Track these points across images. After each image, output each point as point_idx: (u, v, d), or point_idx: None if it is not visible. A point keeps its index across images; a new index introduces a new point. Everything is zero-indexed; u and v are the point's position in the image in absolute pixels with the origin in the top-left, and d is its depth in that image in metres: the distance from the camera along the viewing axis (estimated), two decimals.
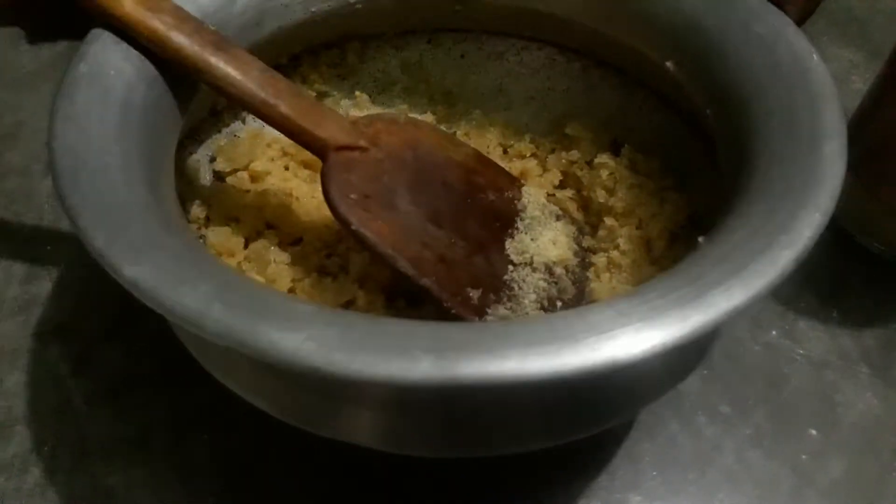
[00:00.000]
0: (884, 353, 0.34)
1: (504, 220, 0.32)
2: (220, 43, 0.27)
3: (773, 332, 0.35)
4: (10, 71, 0.44)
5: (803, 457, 0.31)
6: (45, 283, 0.35)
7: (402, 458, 0.28)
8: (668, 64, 0.31)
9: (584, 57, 0.36)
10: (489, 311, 0.28)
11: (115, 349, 0.33)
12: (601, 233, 0.33)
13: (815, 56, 0.27)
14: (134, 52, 0.27)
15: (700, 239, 0.23)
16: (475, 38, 0.37)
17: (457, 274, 0.29)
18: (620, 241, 0.32)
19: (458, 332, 0.19)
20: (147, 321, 0.31)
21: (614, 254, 0.32)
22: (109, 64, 0.26)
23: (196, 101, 0.30)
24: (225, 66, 0.27)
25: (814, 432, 0.32)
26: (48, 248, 0.37)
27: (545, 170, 0.36)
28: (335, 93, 0.37)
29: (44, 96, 0.43)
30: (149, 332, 0.32)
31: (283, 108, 0.27)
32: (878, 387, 0.33)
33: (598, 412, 0.23)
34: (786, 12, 0.29)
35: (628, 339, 0.18)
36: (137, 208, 0.22)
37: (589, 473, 0.30)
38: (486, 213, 0.31)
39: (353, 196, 0.28)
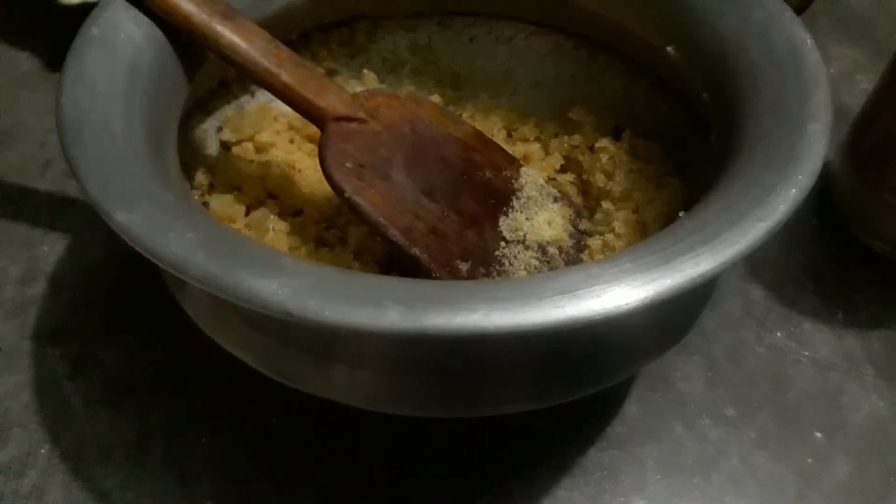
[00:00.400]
0: (889, 355, 0.34)
1: (500, 197, 0.32)
2: (228, 13, 0.28)
3: (778, 334, 0.34)
4: (8, 71, 0.44)
5: (809, 460, 0.31)
6: (41, 285, 0.35)
7: (405, 463, 0.29)
8: (669, 48, 0.31)
9: (590, 44, 0.36)
10: None
11: (112, 351, 0.33)
12: (598, 216, 0.34)
13: (808, 42, 0.27)
14: (144, 19, 0.28)
15: (680, 213, 0.24)
16: (484, 21, 0.38)
17: (448, 246, 0.29)
18: (616, 224, 0.33)
19: (429, 287, 0.20)
20: (144, 323, 0.33)
21: (609, 237, 0.32)
22: (120, 28, 0.27)
23: (204, 71, 0.31)
24: (231, 35, 0.28)
25: (819, 435, 0.31)
26: (45, 248, 0.36)
27: (547, 153, 0.36)
28: (344, 71, 0.38)
29: (42, 96, 0.42)
30: (146, 335, 0.33)
31: (285, 76, 0.28)
32: (884, 389, 0.33)
33: (576, 375, 0.24)
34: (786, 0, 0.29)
35: (592, 299, 0.19)
36: (134, 162, 0.23)
37: (593, 477, 0.30)
38: (482, 189, 0.32)
39: (348, 165, 0.29)
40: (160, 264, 0.20)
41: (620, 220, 0.32)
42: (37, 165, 0.39)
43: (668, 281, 0.20)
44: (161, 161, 0.25)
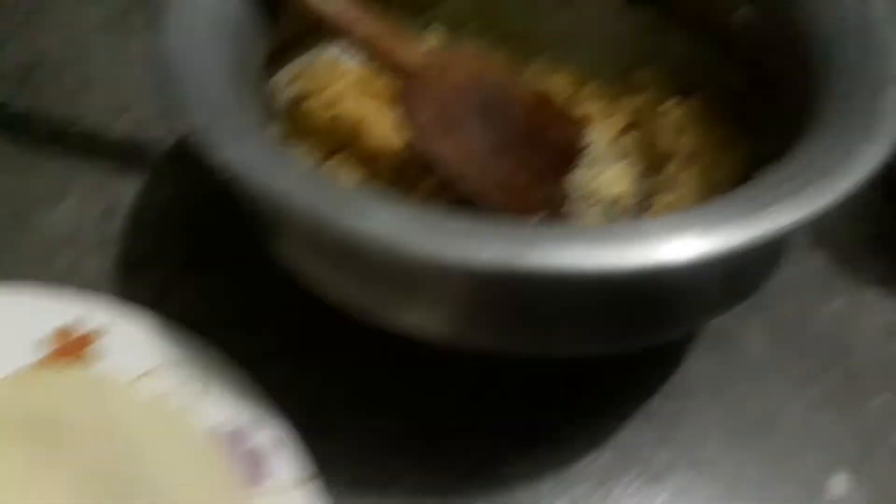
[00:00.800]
0: None
1: (565, 156, 0.33)
2: None
3: (840, 300, 0.35)
4: (79, 21, 0.44)
5: (870, 422, 0.31)
6: (120, 222, 0.36)
7: (471, 407, 0.30)
8: (743, 7, 0.31)
9: (656, 4, 0.36)
10: None
11: (190, 288, 0.33)
12: (662, 176, 0.34)
13: (882, 10, 0.27)
14: None
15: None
16: None
17: (516, 201, 0.30)
18: (682, 184, 0.33)
19: (524, 228, 0.21)
20: (222, 261, 0.33)
21: (673, 196, 0.33)
22: None
23: (280, 25, 0.31)
24: None
25: (880, 400, 0.32)
26: (121, 188, 0.37)
27: (612, 114, 0.37)
28: (408, 28, 0.38)
29: (115, 44, 0.43)
30: (224, 273, 0.33)
31: (369, 28, 0.29)
32: None
33: (651, 321, 0.25)
34: None
35: (688, 243, 0.20)
36: (232, 103, 0.24)
37: (654, 425, 0.30)
38: (548, 147, 0.33)
39: (425, 117, 0.29)
40: (262, 202, 0.21)
41: (686, 180, 0.33)
42: (112, 111, 0.40)
43: (752, 231, 0.20)
44: (250, 106, 0.25)
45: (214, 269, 0.34)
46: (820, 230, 0.37)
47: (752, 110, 0.33)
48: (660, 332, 0.25)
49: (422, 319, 0.24)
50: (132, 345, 0.28)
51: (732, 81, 0.34)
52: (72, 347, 0.28)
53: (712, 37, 0.35)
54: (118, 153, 0.38)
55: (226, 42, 0.27)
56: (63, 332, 0.28)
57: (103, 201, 0.37)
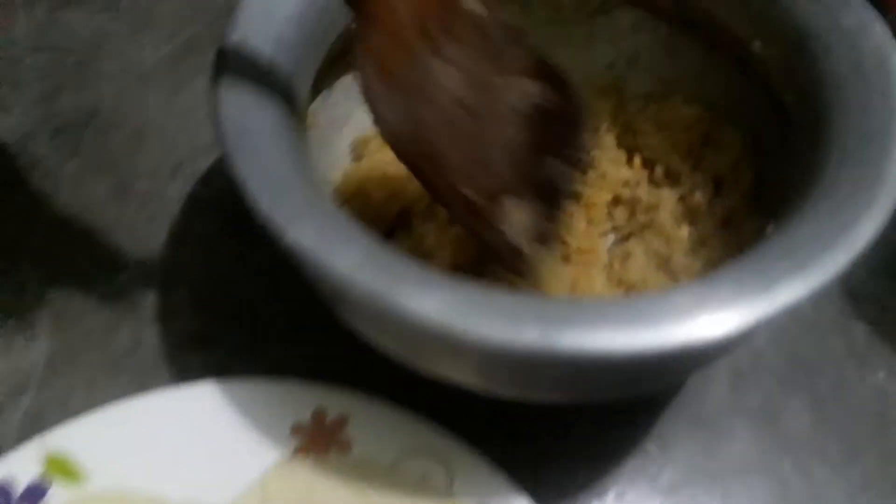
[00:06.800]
0: None
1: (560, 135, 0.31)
2: None
3: (881, 374, 0.35)
4: (133, 68, 0.44)
5: None
6: (183, 291, 0.36)
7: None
8: (756, 43, 0.33)
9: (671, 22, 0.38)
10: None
11: (256, 362, 0.34)
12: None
13: None
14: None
15: (769, 228, 0.27)
16: None
17: (477, 188, 0.28)
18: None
19: (562, 307, 0.23)
20: (286, 332, 0.34)
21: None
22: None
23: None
24: None
25: None
26: (182, 252, 0.37)
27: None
28: None
29: (168, 93, 0.42)
30: (289, 342, 0.34)
31: None
32: None
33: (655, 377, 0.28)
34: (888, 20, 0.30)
35: (706, 323, 0.22)
36: (294, 172, 0.26)
37: None
38: (539, 121, 0.30)
39: (369, 62, 0.27)
40: (327, 284, 0.24)
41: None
42: (167, 168, 0.40)
43: (768, 306, 0.23)
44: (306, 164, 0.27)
45: (278, 339, 0.34)
46: (855, 295, 0.37)
47: (768, 135, 0.35)
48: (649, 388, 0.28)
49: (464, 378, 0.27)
50: (377, 431, 0.29)
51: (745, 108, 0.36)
52: (323, 436, 0.29)
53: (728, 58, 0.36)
54: (175, 214, 0.38)
55: (278, 95, 0.29)
56: (311, 423, 0.30)
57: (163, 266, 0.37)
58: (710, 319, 0.22)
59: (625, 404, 0.33)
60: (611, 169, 0.36)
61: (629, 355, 0.22)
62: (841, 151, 0.27)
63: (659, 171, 0.37)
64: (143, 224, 0.38)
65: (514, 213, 0.29)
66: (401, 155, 0.28)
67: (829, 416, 0.34)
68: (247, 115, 0.27)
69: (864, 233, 0.24)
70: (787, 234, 0.25)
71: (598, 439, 0.33)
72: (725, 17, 0.34)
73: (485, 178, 0.28)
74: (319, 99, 0.34)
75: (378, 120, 0.27)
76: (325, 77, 0.34)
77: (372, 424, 0.30)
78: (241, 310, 0.35)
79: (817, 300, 0.24)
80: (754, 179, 0.35)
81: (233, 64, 0.29)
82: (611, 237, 0.36)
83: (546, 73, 0.29)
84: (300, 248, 0.24)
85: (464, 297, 0.23)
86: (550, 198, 0.30)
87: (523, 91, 0.29)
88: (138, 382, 0.33)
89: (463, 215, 0.28)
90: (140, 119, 0.42)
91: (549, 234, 0.30)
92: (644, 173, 0.37)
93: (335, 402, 0.30)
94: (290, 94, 0.30)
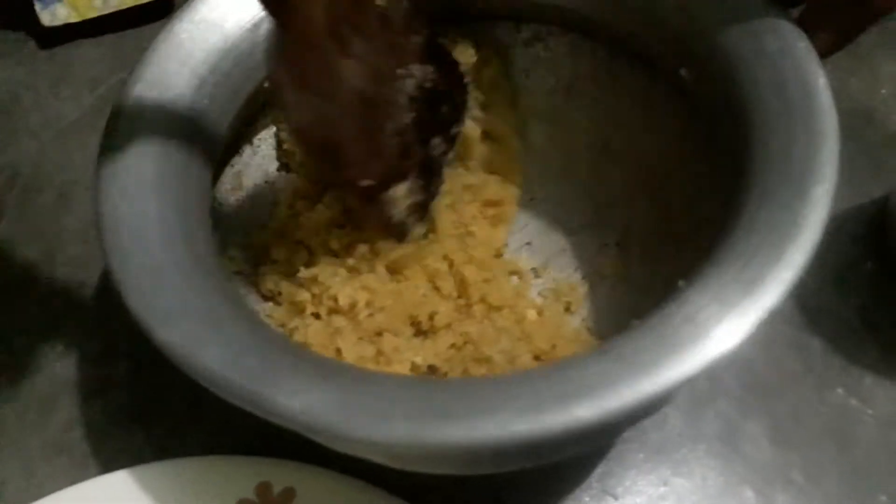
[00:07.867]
0: None
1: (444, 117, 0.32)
2: None
3: (839, 391, 0.34)
4: (54, 122, 0.42)
5: None
6: (121, 364, 0.35)
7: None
8: (682, 71, 0.31)
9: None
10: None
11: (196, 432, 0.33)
12: None
13: (821, 81, 0.27)
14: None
15: (680, 283, 0.25)
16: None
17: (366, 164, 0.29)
18: None
19: (439, 396, 0.22)
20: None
21: None
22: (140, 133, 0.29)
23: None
24: None
25: (884, 498, 0.31)
26: (118, 324, 0.36)
27: None
28: None
29: (92, 151, 0.38)
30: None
31: None
32: None
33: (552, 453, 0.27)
34: (814, 41, 0.28)
35: (602, 400, 0.21)
36: (171, 267, 0.25)
37: None
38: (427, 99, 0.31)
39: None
40: (199, 381, 0.23)
41: None
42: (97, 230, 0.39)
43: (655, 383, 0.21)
44: (195, 255, 0.26)
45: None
46: (809, 310, 0.36)
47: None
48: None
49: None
50: (325, 502, 0.29)
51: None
52: None
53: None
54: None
55: (170, 184, 0.28)
56: (257, 498, 0.30)
57: (101, 340, 0.36)
58: (586, 405, 0.21)
59: None
60: None
61: (500, 443, 0.21)
62: (761, 192, 0.25)
63: None
64: (76, 290, 0.37)
65: (399, 194, 0.31)
66: (307, 151, 0.32)
67: (789, 438, 0.33)
68: (133, 201, 0.26)
69: (770, 295, 0.22)
70: (687, 301, 0.23)
71: (553, 479, 0.32)
72: (651, 43, 0.32)
73: (380, 170, 0.30)
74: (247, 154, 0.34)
75: (289, 121, 0.30)
76: (241, 136, 0.34)
77: (320, 496, 0.29)
78: (181, 383, 0.34)
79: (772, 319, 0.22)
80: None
81: (125, 135, 0.28)
82: None
83: (436, 54, 0.31)
84: (169, 347, 0.23)
85: (334, 394, 0.22)
86: (430, 173, 0.31)
87: (418, 77, 0.30)
88: (78, 463, 0.33)
89: (358, 201, 0.31)
90: (64, 178, 0.41)
91: (425, 205, 0.32)
92: None
93: (280, 475, 0.30)
94: (194, 157, 0.29)
